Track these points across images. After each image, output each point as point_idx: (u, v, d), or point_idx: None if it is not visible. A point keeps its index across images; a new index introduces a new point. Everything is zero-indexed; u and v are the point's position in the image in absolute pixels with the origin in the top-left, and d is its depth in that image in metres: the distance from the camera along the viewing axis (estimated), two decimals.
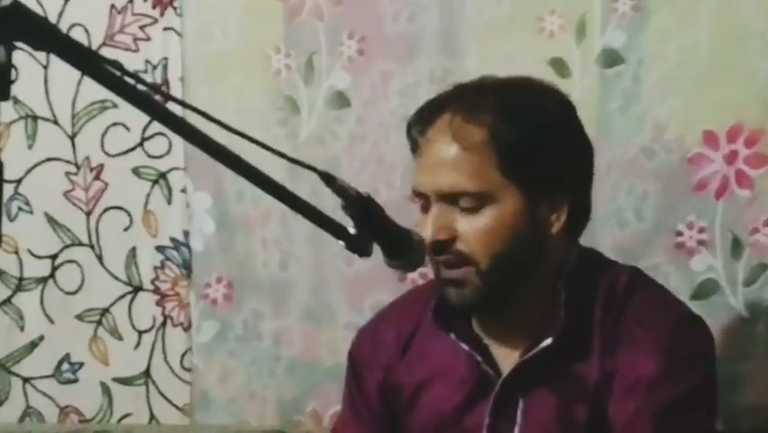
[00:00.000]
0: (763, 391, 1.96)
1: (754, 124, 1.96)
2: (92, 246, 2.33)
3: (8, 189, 2.31)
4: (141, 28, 2.28)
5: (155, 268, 2.30)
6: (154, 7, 2.28)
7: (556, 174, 1.57)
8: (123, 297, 2.32)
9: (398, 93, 2.14)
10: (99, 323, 2.33)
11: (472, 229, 1.55)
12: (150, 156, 2.29)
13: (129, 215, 2.31)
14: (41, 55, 2.25)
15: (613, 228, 2.03)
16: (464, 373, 1.65)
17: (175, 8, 2.26)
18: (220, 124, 1.22)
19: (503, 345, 1.64)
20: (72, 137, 2.32)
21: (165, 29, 2.27)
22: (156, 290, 2.31)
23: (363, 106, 2.17)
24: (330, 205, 1.35)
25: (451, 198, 1.55)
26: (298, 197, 1.30)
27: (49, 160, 2.33)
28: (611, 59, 2.03)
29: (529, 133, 1.55)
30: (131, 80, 1.19)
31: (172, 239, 2.29)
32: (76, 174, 2.32)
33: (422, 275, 1.96)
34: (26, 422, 2.38)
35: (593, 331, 1.59)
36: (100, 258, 2.33)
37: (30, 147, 2.33)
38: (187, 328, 2.29)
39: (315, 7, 2.18)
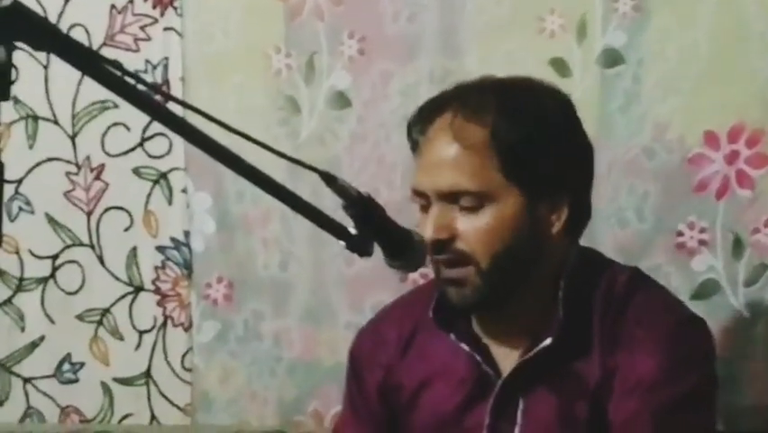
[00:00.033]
0: (763, 391, 1.96)
1: (755, 124, 1.96)
2: (92, 246, 2.33)
3: (9, 189, 2.31)
4: (142, 28, 2.28)
5: (156, 268, 2.30)
6: (154, 7, 2.27)
7: (556, 174, 1.57)
8: (123, 297, 2.32)
9: (399, 93, 2.14)
10: (100, 323, 2.33)
11: (472, 228, 1.55)
12: (150, 156, 2.29)
13: (129, 215, 2.31)
14: (42, 55, 2.24)
15: (614, 228, 2.03)
16: (464, 373, 1.65)
17: (175, 8, 2.26)
18: (220, 124, 1.22)
19: (503, 345, 1.64)
20: (73, 137, 2.32)
21: (165, 29, 2.27)
22: (157, 291, 2.31)
23: (364, 106, 2.17)
24: (330, 205, 1.35)
25: (451, 198, 1.55)
26: (299, 197, 1.30)
27: (49, 160, 2.33)
28: (612, 59, 2.03)
29: (530, 134, 1.55)
30: (131, 80, 1.19)
31: (173, 239, 2.29)
32: (76, 174, 2.32)
33: (423, 275, 1.96)
34: (27, 422, 2.38)
35: (593, 330, 1.59)
36: (101, 258, 2.33)
37: (30, 147, 2.33)
38: (187, 329, 2.29)
39: (316, 7, 2.18)
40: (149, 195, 2.29)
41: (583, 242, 1.67)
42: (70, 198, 2.33)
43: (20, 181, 2.33)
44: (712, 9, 1.97)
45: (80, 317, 2.34)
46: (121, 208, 2.31)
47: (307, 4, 2.18)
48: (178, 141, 2.23)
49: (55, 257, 2.34)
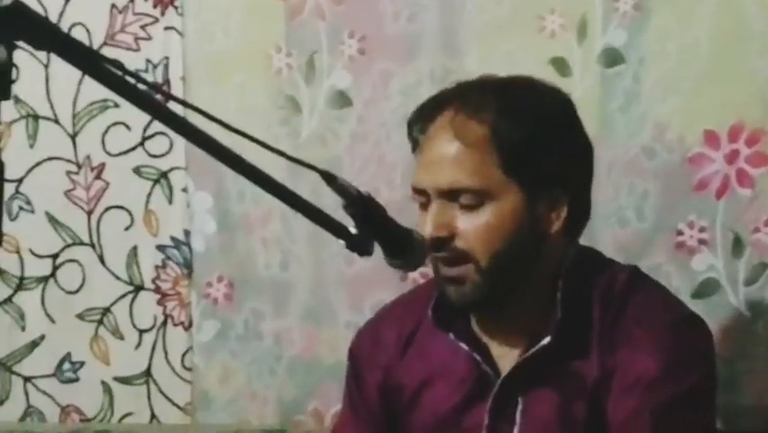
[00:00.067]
0: (762, 391, 1.97)
1: (755, 124, 1.96)
2: (93, 246, 2.33)
3: (9, 189, 2.31)
4: (143, 27, 2.28)
5: (156, 267, 2.30)
6: (155, 6, 2.27)
7: (556, 173, 1.57)
8: (124, 296, 2.32)
9: (399, 92, 2.14)
10: (100, 322, 2.33)
11: (472, 226, 1.55)
12: (151, 155, 2.29)
13: (130, 214, 2.31)
14: (42, 54, 2.24)
15: (614, 227, 2.03)
16: (463, 372, 1.65)
17: (176, 7, 2.26)
18: (221, 123, 1.22)
19: (502, 345, 1.64)
20: (73, 136, 2.32)
21: (166, 28, 2.27)
22: (157, 290, 2.31)
23: (364, 106, 2.17)
24: (331, 204, 1.35)
25: (451, 195, 1.55)
26: (299, 196, 1.30)
27: (50, 159, 2.33)
28: (612, 58, 2.03)
29: (530, 132, 1.55)
30: (132, 80, 1.19)
31: (173, 238, 2.29)
32: (77, 173, 2.32)
33: (423, 274, 1.96)
34: (27, 421, 2.38)
35: (592, 329, 1.59)
36: (101, 257, 2.33)
37: (31, 146, 2.34)
38: (187, 328, 2.29)
39: (316, 6, 2.18)
40: (149, 194, 2.29)
41: (583, 241, 1.67)
42: (71, 197, 2.33)
43: (20, 180, 2.33)
44: (712, 9, 1.97)
45: (80, 317, 2.34)
46: (121, 208, 2.31)
47: (308, 3, 2.18)
48: (179, 140, 2.23)
49: (55, 256, 2.34)
